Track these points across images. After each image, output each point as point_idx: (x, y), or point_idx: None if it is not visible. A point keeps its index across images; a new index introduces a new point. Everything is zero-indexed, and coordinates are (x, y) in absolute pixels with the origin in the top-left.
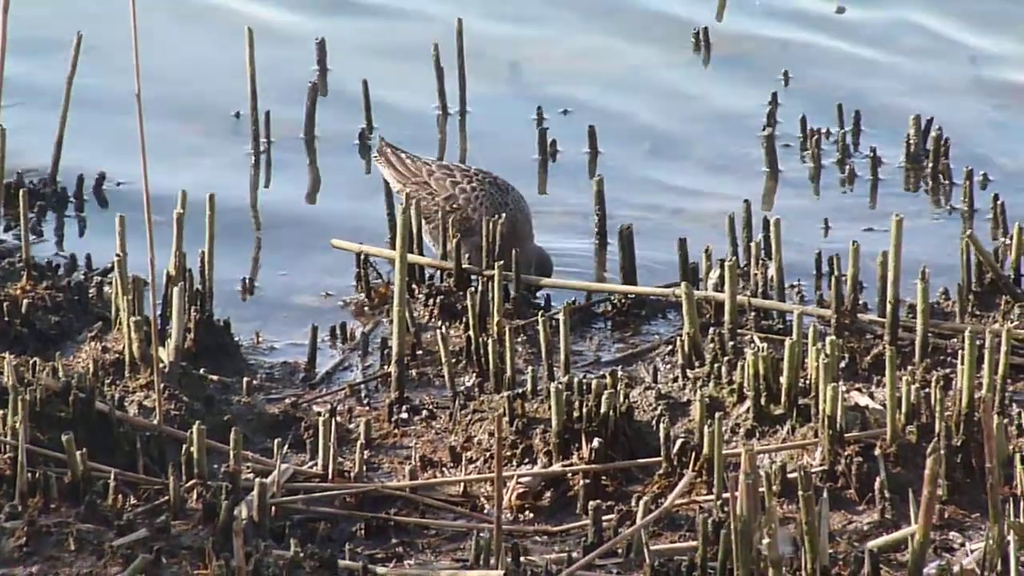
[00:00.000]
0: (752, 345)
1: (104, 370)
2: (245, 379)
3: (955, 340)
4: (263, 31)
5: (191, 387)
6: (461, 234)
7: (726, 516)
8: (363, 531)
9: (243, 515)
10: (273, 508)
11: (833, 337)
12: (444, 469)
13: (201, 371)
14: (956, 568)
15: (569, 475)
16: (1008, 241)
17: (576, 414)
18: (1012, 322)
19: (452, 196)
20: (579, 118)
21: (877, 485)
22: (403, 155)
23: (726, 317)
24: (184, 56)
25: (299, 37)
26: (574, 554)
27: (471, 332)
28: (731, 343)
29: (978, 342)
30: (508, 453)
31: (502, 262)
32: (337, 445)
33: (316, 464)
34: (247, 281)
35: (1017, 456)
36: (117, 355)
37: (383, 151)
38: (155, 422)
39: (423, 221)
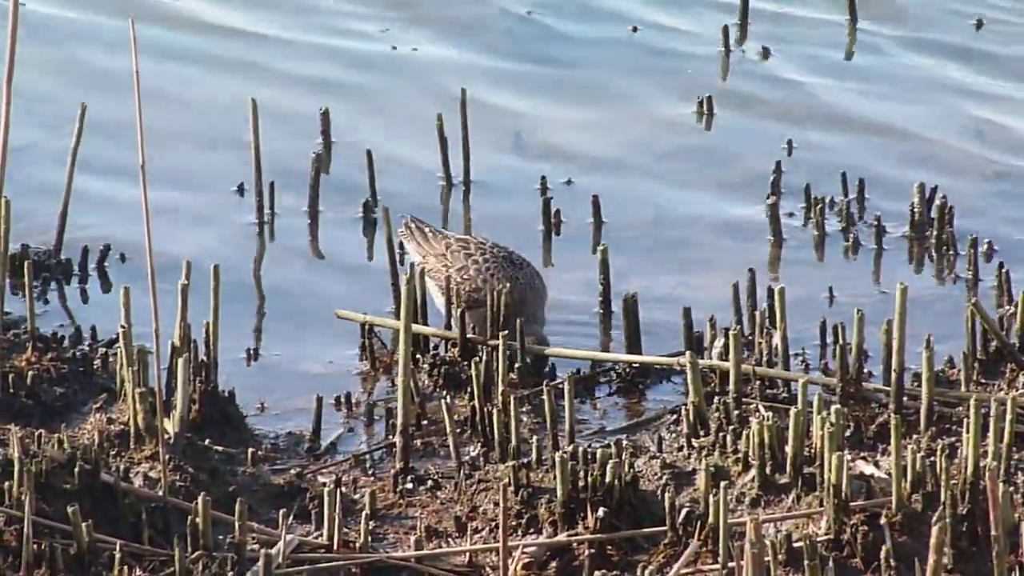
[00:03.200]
0: (757, 414)
1: (109, 441)
2: (250, 449)
3: (960, 408)
4: (267, 102)
5: (196, 458)
6: (470, 305)
7: None
8: None
9: None
10: None
11: (838, 406)
12: (449, 539)
13: (206, 442)
14: None
15: (574, 545)
16: (1012, 309)
17: (581, 483)
18: (1017, 390)
19: (464, 267)
20: (582, 187)
21: (883, 554)
22: (427, 229)
23: (731, 386)
24: (189, 127)
25: (302, 109)
26: None
27: (476, 402)
28: (736, 412)
29: (983, 410)
30: (513, 523)
31: (506, 332)
32: (342, 515)
33: (321, 535)
34: (252, 351)
35: (1023, 524)
36: (122, 426)
37: (408, 226)
38: (160, 493)
39: (437, 291)
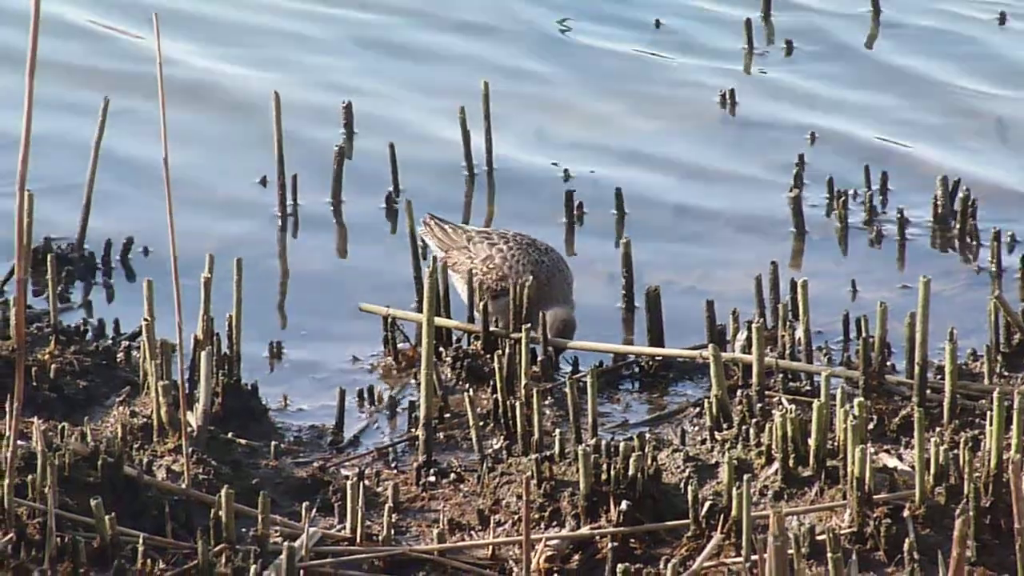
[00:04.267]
0: (780, 407)
1: (132, 435)
2: (273, 443)
3: (983, 401)
4: (290, 95)
5: (219, 451)
6: (496, 295)
7: None
8: None
9: None
10: (302, 572)
11: (861, 399)
12: (472, 532)
13: (229, 435)
14: None
15: (597, 538)
16: None
17: (604, 477)
18: None
19: (489, 256)
20: (605, 180)
21: (906, 547)
22: (446, 225)
23: (754, 379)
24: (212, 120)
25: (326, 102)
26: None
27: (499, 395)
28: (759, 405)
29: (1006, 403)
30: (536, 516)
31: (529, 324)
32: (365, 508)
33: (344, 528)
34: (275, 344)
35: None
36: (145, 419)
37: (428, 223)
38: (183, 486)
39: (462, 284)
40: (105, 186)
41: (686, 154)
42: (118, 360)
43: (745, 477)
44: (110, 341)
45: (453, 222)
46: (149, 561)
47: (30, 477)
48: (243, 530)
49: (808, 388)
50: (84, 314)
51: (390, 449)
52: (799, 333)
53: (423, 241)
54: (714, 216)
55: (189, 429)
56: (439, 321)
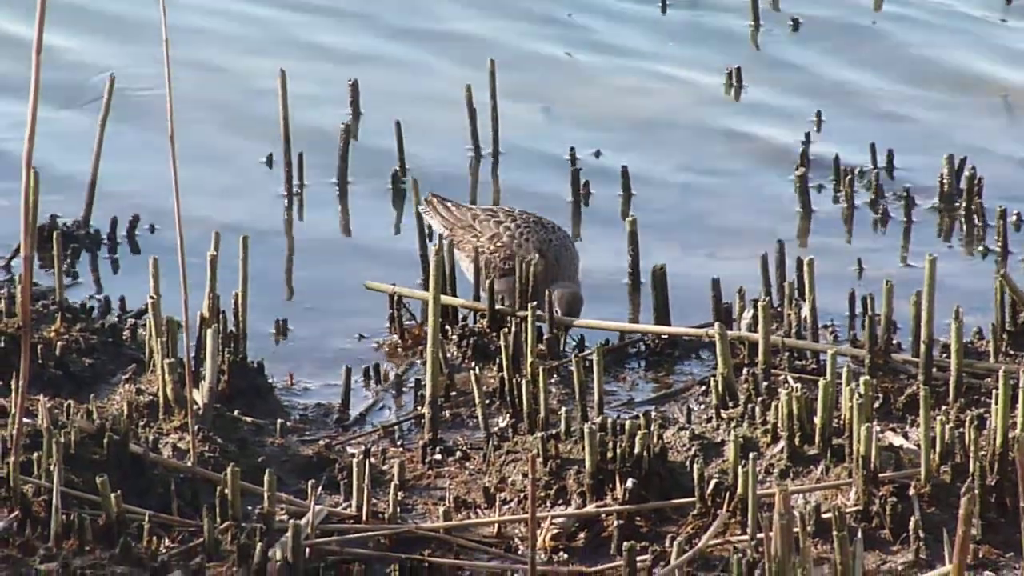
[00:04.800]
0: (786, 385)
1: (138, 412)
2: (279, 421)
3: (989, 379)
4: (296, 74)
5: (225, 429)
6: (504, 273)
7: (760, 556)
8: (397, 572)
9: (277, 557)
10: (307, 550)
11: (867, 377)
12: (478, 510)
13: (235, 413)
14: None
15: (603, 516)
16: None
17: (610, 455)
18: None
19: (496, 235)
20: (611, 160)
21: (911, 525)
22: (449, 204)
23: (760, 357)
24: (218, 98)
25: (332, 80)
26: None
27: (505, 373)
28: (765, 383)
29: (1012, 381)
30: (542, 494)
31: (535, 303)
32: (371, 486)
33: (350, 505)
34: (281, 323)
35: None
36: (151, 397)
37: (430, 201)
38: (189, 464)
39: (467, 262)
40: (111, 164)
41: (692, 134)
42: (124, 338)
43: (751, 455)
44: (116, 319)
45: (456, 200)
46: (155, 538)
47: (36, 455)
48: (249, 508)
49: (814, 366)
50: (90, 292)
51: (396, 427)
52: (805, 311)
53: (428, 221)
54: (720, 195)
55: (195, 407)
56: (445, 299)
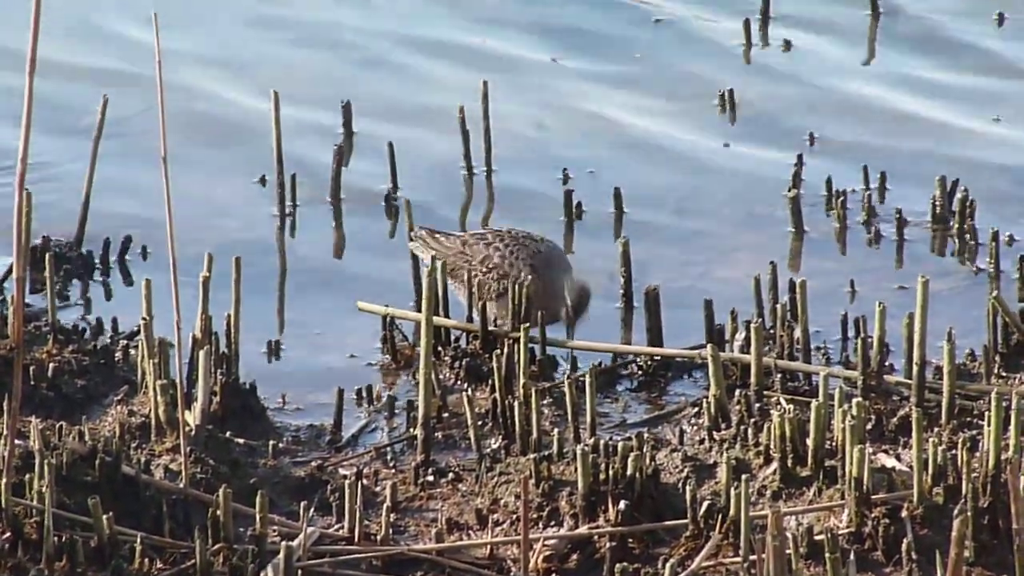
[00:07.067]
0: (778, 407)
1: (130, 434)
2: (271, 442)
3: (982, 401)
4: (289, 94)
5: (217, 450)
6: (499, 294)
7: None
8: None
9: None
10: (299, 571)
11: (859, 399)
12: (470, 532)
13: (227, 434)
14: None
15: (595, 538)
16: None
17: (602, 476)
18: None
19: (487, 256)
20: (605, 179)
21: (904, 547)
22: (438, 235)
23: (752, 379)
24: (211, 119)
25: (325, 100)
26: None
27: (497, 394)
28: (757, 405)
29: (1004, 403)
30: (534, 516)
31: (527, 324)
32: (363, 508)
33: (342, 527)
34: (273, 344)
35: None
36: (143, 418)
37: (420, 236)
38: (181, 486)
39: (461, 289)
40: (104, 184)
41: (685, 154)
42: (116, 359)
43: (743, 477)
44: (108, 340)
45: (444, 230)
46: (147, 560)
47: (28, 476)
48: (241, 529)
49: (806, 388)
50: (82, 313)
51: (388, 448)
52: (797, 333)
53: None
54: (713, 215)
55: (187, 428)
56: (438, 320)
